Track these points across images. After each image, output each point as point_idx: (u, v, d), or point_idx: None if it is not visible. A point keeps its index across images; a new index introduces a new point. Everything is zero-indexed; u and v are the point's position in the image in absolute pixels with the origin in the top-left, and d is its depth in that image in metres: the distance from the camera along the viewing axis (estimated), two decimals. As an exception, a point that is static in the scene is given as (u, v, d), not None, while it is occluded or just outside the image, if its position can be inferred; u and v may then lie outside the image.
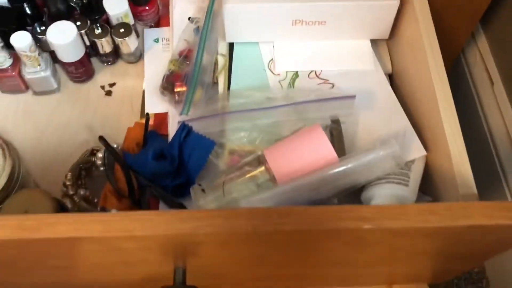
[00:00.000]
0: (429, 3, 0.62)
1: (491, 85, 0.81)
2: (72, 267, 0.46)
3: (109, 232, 0.36)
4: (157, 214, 0.39)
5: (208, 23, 0.65)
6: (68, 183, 0.58)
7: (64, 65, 0.67)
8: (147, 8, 0.72)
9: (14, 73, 0.65)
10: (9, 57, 0.65)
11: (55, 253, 0.42)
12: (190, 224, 0.39)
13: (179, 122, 0.63)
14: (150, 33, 0.74)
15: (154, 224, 0.39)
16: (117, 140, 0.63)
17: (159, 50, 0.72)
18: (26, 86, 0.68)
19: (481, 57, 0.82)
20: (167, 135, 0.64)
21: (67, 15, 0.68)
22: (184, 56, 0.67)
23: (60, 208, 0.55)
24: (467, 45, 0.86)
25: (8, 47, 0.64)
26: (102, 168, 0.61)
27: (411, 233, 0.40)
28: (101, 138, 0.60)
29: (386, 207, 0.39)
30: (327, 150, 0.52)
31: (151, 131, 0.64)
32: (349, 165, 0.51)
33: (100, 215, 0.37)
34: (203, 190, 0.56)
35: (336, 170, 0.51)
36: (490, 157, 0.80)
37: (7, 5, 0.67)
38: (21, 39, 0.61)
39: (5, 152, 0.51)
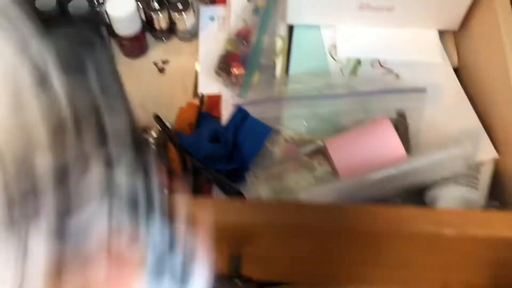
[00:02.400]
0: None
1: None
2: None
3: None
4: (223, 202, 0.38)
5: (271, 3, 0.62)
6: (121, 160, 0.57)
7: (120, 39, 0.65)
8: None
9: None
10: (65, 27, 0.63)
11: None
12: (258, 214, 0.38)
13: (233, 104, 0.61)
14: (206, 11, 0.71)
15: (219, 212, 0.37)
16: (168, 119, 0.62)
17: (215, 29, 0.70)
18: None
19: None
20: (219, 117, 0.63)
21: (125, -13, 0.66)
22: (242, 37, 0.65)
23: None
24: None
25: (65, 15, 0.63)
26: (154, 147, 0.60)
27: (493, 242, 0.38)
28: (157, 117, 0.58)
29: (469, 213, 0.36)
30: (396, 146, 0.50)
31: (205, 112, 0.63)
32: (419, 163, 0.49)
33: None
34: (258, 178, 0.54)
35: (405, 167, 0.48)
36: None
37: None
38: (78, 9, 0.60)
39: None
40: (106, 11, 0.62)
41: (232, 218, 0.39)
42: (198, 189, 0.57)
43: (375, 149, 0.50)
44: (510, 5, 0.57)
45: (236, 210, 0.39)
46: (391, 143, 0.50)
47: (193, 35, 0.70)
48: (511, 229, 0.36)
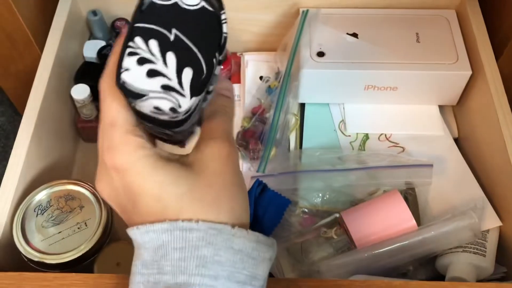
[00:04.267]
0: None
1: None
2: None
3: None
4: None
5: (286, 85, 0.68)
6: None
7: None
8: (221, 67, 0.76)
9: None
10: (95, 109, 0.69)
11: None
12: None
13: (252, 177, 0.65)
14: (222, 89, 0.77)
15: None
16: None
17: (231, 106, 0.76)
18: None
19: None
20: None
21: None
22: (258, 114, 0.71)
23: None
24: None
25: (95, 100, 0.69)
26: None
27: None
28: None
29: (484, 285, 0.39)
30: (407, 217, 0.54)
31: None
32: (429, 234, 0.52)
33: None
34: (279, 248, 0.57)
35: (416, 238, 0.52)
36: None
37: (96, 61, 0.72)
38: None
39: (101, 203, 0.54)
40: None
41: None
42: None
43: (387, 220, 0.54)
44: (501, 83, 0.63)
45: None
46: (402, 214, 0.54)
47: (211, 112, 0.75)
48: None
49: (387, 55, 0.66)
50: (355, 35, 0.68)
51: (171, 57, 0.32)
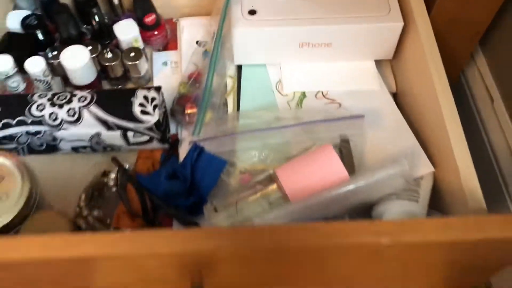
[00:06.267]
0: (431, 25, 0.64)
1: (491, 103, 0.82)
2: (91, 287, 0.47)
3: (134, 250, 0.37)
4: (181, 231, 0.40)
5: (217, 46, 0.67)
6: (82, 204, 0.59)
7: (76, 88, 0.68)
8: (156, 33, 0.74)
9: (27, 97, 0.67)
10: (22, 81, 0.66)
11: (77, 272, 0.42)
12: (213, 240, 0.40)
13: (189, 142, 0.64)
14: (158, 57, 0.75)
15: (178, 240, 0.39)
16: (128, 161, 0.64)
17: (168, 73, 0.74)
18: (37, 110, 0.69)
19: (481, 76, 0.85)
20: (177, 155, 0.66)
21: (79, 40, 0.70)
22: (194, 79, 0.69)
23: (75, 229, 0.56)
24: (467, 66, 0.88)
25: (22, 72, 0.66)
26: (114, 189, 0.62)
27: (427, 247, 0.41)
28: (114, 159, 0.61)
29: (403, 222, 0.40)
30: (339, 169, 0.54)
31: (163, 153, 0.65)
32: (360, 183, 0.52)
33: (125, 234, 0.37)
34: (215, 209, 0.57)
35: (348, 188, 0.52)
36: (493, 172, 0.81)
37: (20, 31, 0.69)
38: (35, 64, 0.63)
39: (24, 175, 0.52)
40: (61, 63, 0.65)
41: (190, 246, 0.41)
42: (158, 225, 0.59)
43: (320, 173, 0.54)
44: (433, 35, 0.63)
45: (191, 237, 0.41)
46: (335, 166, 0.54)
47: (147, 80, 0.73)
48: (441, 234, 0.39)
49: (320, 11, 0.65)
50: (287, -8, 0.67)
51: None
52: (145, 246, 0.37)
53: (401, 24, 0.65)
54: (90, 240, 0.37)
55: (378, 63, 0.71)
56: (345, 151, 0.58)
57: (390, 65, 0.72)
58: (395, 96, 0.70)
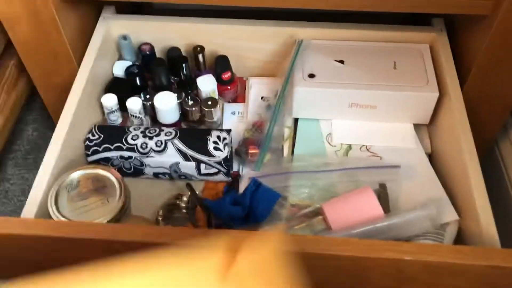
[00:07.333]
0: (464, 96, 0.75)
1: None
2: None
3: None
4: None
5: (280, 101, 0.80)
6: (159, 218, 0.71)
7: (162, 126, 0.83)
8: (229, 87, 0.89)
9: (121, 129, 0.82)
10: (120, 116, 0.82)
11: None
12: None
13: (249, 178, 0.76)
14: (229, 107, 0.90)
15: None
16: (197, 189, 0.77)
17: (235, 121, 0.88)
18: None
19: (512, 147, 0.93)
20: (237, 189, 0.78)
21: (167, 87, 0.85)
22: (257, 126, 0.82)
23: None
24: (501, 136, 0.97)
25: (121, 109, 0.81)
26: (184, 210, 0.75)
27: (443, 268, 0.50)
28: (188, 184, 0.74)
29: (424, 245, 0.49)
30: (375, 207, 0.64)
31: (227, 186, 0.78)
32: (393, 221, 0.62)
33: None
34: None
35: (382, 223, 0.62)
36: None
37: (123, 77, 0.86)
38: (134, 103, 0.79)
39: (121, 186, 0.65)
40: (153, 104, 0.80)
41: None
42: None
43: (360, 210, 0.64)
44: (463, 105, 0.74)
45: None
46: (372, 205, 0.64)
47: (218, 125, 0.87)
48: (453, 257, 0.49)
49: (368, 79, 0.78)
50: (341, 61, 0.81)
51: None
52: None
53: (436, 94, 0.76)
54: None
55: (417, 126, 0.82)
56: (382, 195, 0.69)
57: (427, 129, 0.83)
58: (431, 156, 0.80)
